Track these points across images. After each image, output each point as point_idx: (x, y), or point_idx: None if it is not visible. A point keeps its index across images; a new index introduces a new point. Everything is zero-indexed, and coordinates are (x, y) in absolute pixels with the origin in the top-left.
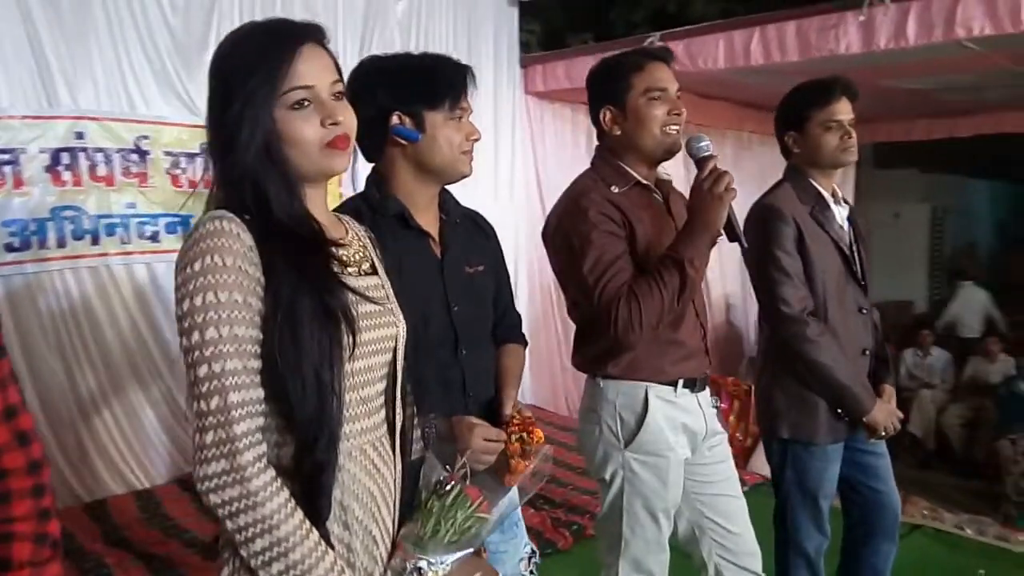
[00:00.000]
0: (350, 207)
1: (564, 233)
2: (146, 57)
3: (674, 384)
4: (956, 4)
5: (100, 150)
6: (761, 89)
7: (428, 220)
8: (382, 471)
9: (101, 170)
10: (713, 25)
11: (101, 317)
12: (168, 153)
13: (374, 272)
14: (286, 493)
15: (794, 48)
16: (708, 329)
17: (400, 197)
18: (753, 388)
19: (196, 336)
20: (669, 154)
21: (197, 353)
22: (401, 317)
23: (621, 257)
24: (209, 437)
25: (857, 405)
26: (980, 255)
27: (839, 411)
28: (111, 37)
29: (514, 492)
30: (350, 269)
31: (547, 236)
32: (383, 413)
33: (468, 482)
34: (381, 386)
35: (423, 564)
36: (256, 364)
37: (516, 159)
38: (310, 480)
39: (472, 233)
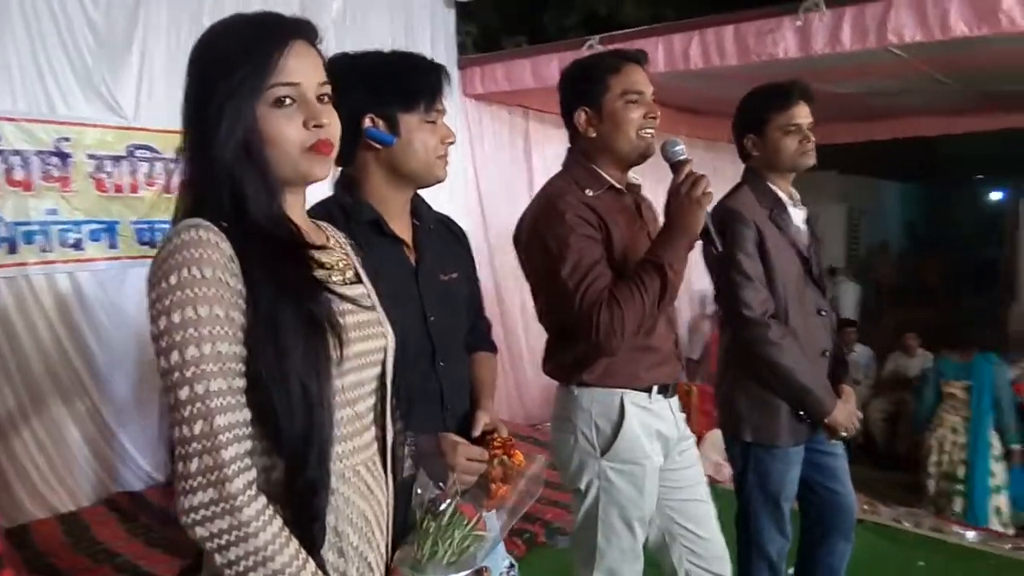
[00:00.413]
0: (322, 211)
1: (540, 236)
2: (66, 55)
3: (648, 390)
4: (888, 12)
5: (17, 152)
6: (699, 93)
7: (401, 227)
8: (375, 493)
9: (18, 174)
10: (652, 29)
11: (19, 329)
12: (92, 156)
13: (358, 280)
14: (279, 521)
15: (733, 52)
16: (679, 335)
17: (373, 203)
18: (698, 390)
19: (175, 356)
20: (643, 158)
21: (177, 374)
22: (390, 328)
23: (600, 261)
24: (194, 465)
25: (819, 407)
26: (892, 254)
27: (801, 413)
28: (28, 33)
29: (503, 511)
30: (335, 276)
31: (519, 240)
32: (373, 431)
33: (460, 499)
34: (371, 401)
35: None
36: (241, 383)
37: (455, 162)
38: (302, 504)
39: (445, 239)
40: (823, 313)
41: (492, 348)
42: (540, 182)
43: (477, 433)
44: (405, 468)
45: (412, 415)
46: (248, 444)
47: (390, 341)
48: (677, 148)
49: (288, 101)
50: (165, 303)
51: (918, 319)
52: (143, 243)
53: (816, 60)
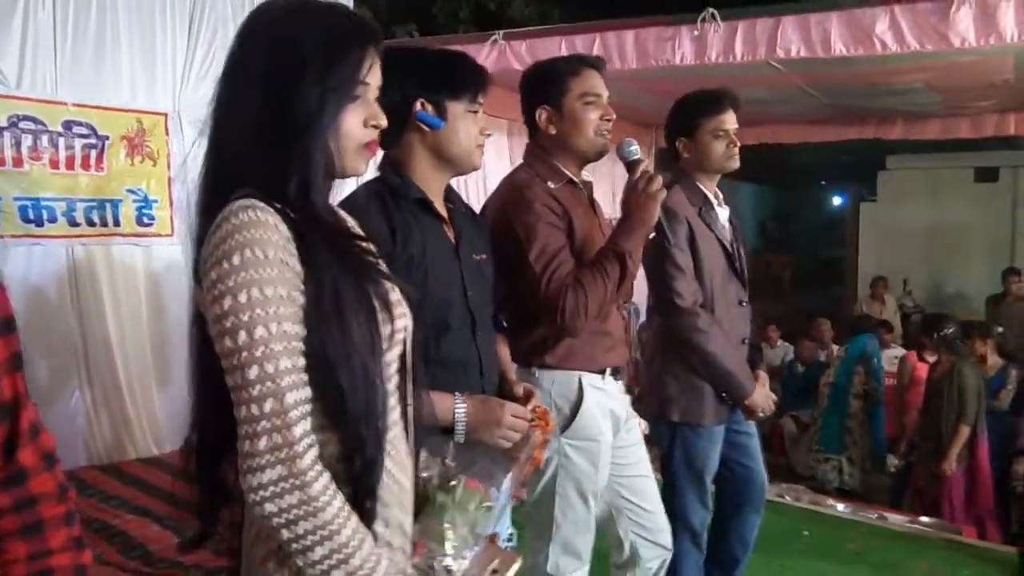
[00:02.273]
0: (370, 190)
1: (507, 223)
2: None
3: (603, 372)
4: (777, 29)
5: None
6: None
7: (440, 207)
8: (406, 463)
9: None
10: (556, 28)
11: None
12: None
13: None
14: (342, 497)
15: (633, 56)
16: (628, 320)
17: (417, 183)
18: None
19: (243, 336)
20: (599, 155)
21: (246, 354)
22: (407, 307)
23: (564, 248)
24: (263, 443)
25: (740, 390)
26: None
27: (723, 395)
28: None
29: (510, 478)
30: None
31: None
32: (400, 407)
33: (466, 474)
34: (397, 378)
35: (449, 561)
36: (303, 362)
37: None
38: (360, 481)
39: (474, 222)
40: (743, 304)
41: (503, 328)
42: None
43: (520, 393)
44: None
45: (448, 381)
46: (311, 421)
47: (409, 319)
48: (632, 148)
49: (357, 98)
50: (229, 283)
51: (772, 312)
52: (27, 221)
53: (709, 68)
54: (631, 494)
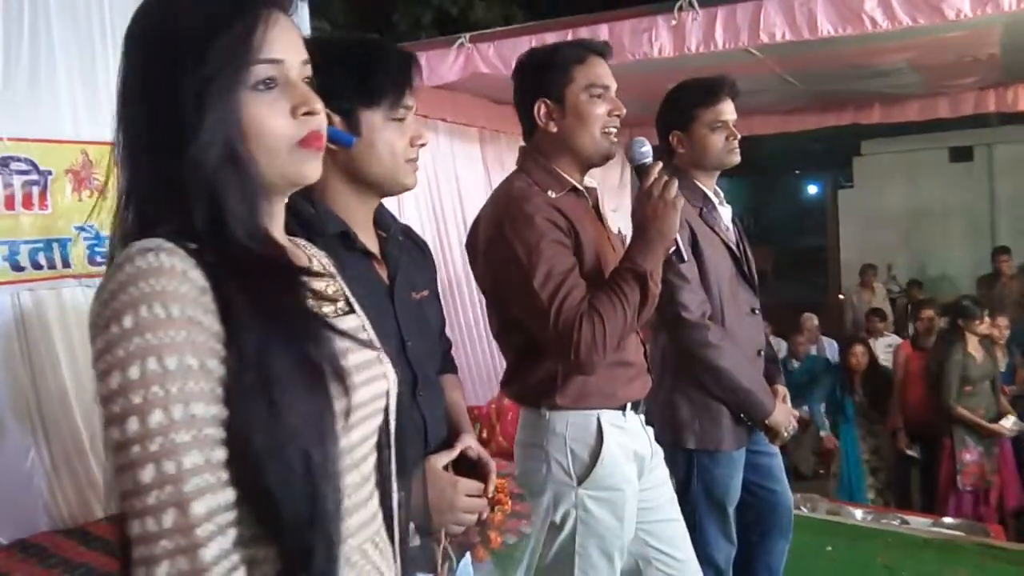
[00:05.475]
0: None
1: (507, 243)
2: None
3: (623, 408)
4: (759, 12)
5: None
6: None
7: (369, 240)
8: (385, 574)
9: None
10: (526, 27)
11: None
12: None
13: (351, 310)
14: None
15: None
16: (647, 346)
17: (337, 213)
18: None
19: (135, 424)
20: (605, 159)
21: (138, 449)
22: (391, 366)
23: (573, 270)
24: (163, 571)
25: (759, 408)
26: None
27: (741, 415)
28: None
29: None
30: (327, 307)
31: (476, 248)
32: (377, 497)
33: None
34: (373, 460)
35: None
36: (222, 455)
37: None
38: None
39: (412, 252)
40: (756, 312)
41: (456, 369)
42: (434, 186)
43: (475, 456)
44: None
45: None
46: (233, 534)
47: (392, 383)
48: (644, 149)
49: (271, 84)
50: (119, 353)
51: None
52: None
53: (684, 60)
54: (659, 542)
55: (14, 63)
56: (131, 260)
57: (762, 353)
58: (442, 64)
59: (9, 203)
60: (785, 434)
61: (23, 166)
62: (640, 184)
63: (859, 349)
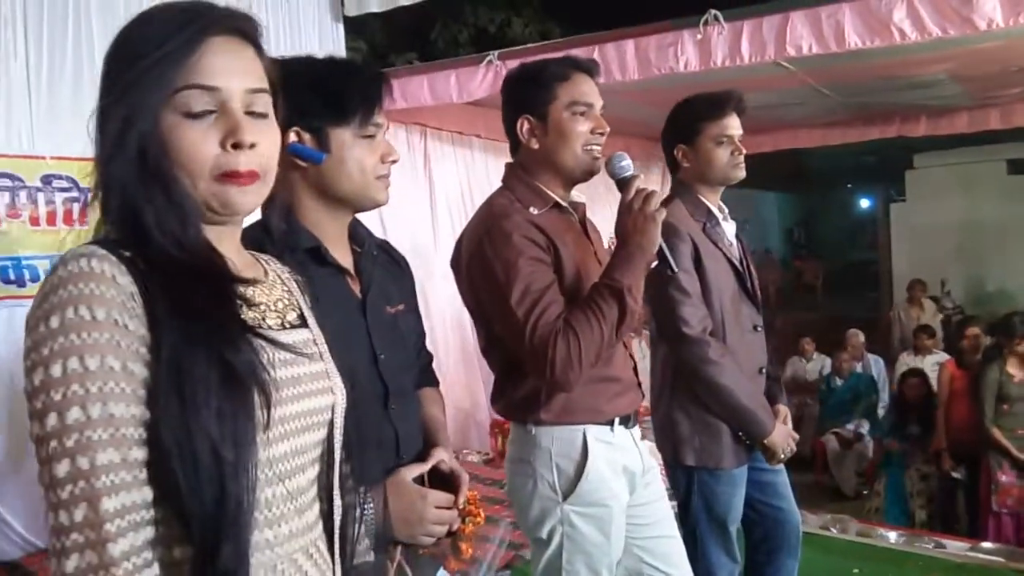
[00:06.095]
0: (248, 239)
1: (485, 261)
2: None
3: (611, 423)
4: (785, 24)
5: None
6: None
7: (342, 254)
8: None
9: None
10: (553, 44)
11: None
12: None
13: (303, 324)
14: None
15: (634, 67)
16: (637, 360)
17: (309, 229)
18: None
19: (53, 420)
20: (588, 175)
21: (55, 443)
22: (339, 381)
23: (551, 287)
24: (71, 564)
25: (757, 428)
26: (774, 259)
27: (740, 434)
28: None
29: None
30: (270, 319)
31: (459, 265)
32: (317, 508)
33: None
34: (313, 472)
35: None
36: (140, 454)
37: None
38: None
39: (388, 267)
40: (758, 329)
41: (436, 383)
42: (442, 203)
43: (447, 470)
44: (358, 551)
45: (365, 467)
46: (148, 532)
47: (339, 398)
48: (624, 163)
49: (204, 114)
50: (43, 352)
51: (805, 322)
52: (7, 282)
53: (715, 72)
54: (654, 558)
55: (57, 84)
56: (64, 264)
57: (764, 371)
58: (472, 81)
59: (51, 219)
60: (782, 455)
61: (64, 184)
62: (621, 198)
63: (914, 381)
